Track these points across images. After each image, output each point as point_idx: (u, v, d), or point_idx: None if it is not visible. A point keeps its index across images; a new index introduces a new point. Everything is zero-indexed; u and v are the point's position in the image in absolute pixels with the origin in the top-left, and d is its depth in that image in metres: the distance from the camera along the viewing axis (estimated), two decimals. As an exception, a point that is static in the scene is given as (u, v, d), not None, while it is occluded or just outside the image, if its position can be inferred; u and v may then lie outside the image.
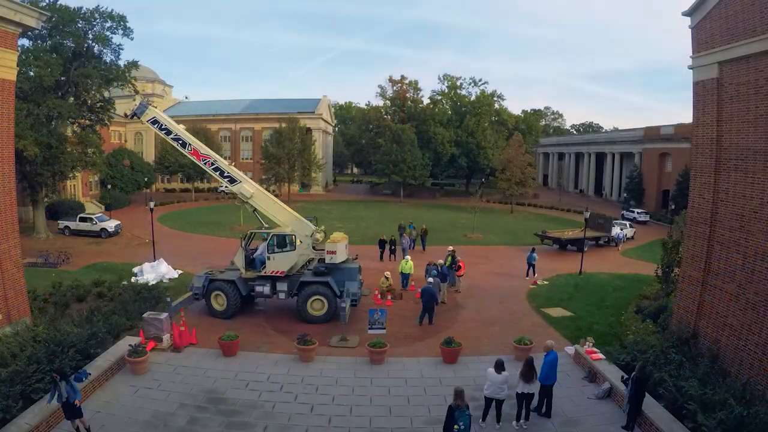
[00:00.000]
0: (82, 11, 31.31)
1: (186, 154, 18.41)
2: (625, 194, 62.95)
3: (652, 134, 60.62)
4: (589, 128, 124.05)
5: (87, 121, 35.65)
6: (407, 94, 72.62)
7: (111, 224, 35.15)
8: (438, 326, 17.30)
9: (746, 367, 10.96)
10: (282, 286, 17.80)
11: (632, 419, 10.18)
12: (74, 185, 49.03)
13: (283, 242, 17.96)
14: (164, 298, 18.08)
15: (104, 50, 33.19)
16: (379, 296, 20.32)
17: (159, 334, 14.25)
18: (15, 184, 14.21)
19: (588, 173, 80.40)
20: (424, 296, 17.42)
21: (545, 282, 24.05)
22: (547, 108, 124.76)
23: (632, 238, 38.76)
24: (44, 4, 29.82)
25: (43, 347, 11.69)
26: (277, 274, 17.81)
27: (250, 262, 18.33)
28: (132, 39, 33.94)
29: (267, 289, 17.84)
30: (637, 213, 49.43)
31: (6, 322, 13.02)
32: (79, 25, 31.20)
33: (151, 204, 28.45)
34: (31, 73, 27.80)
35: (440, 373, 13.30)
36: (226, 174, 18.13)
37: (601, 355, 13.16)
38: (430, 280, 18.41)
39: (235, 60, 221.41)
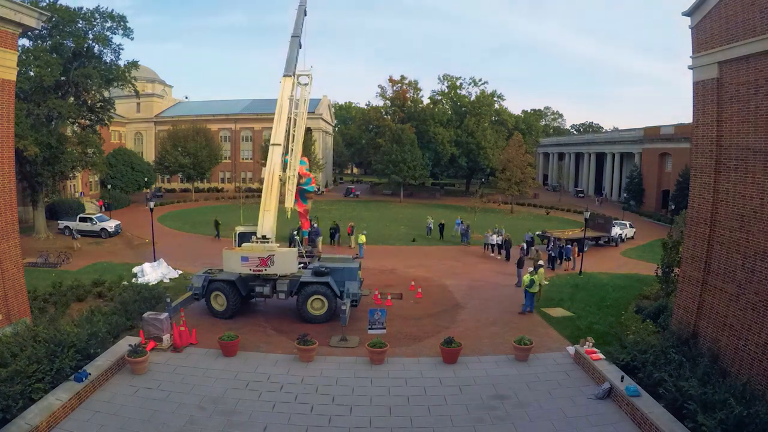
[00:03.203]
0: (82, 11, 31.32)
1: None
2: (625, 194, 62.96)
3: (652, 134, 60.64)
4: (589, 128, 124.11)
5: (87, 121, 35.69)
6: (407, 94, 72.64)
7: (111, 224, 35.16)
8: (438, 326, 17.30)
9: (746, 367, 10.96)
10: (282, 287, 17.79)
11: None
12: (74, 185, 49.08)
13: None
14: (164, 298, 18.08)
15: (104, 50, 33.22)
16: (378, 296, 20.31)
17: (159, 334, 14.24)
18: (15, 184, 14.21)
19: (588, 173, 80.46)
20: None
21: (545, 282, 24.00)
22: (547, 108, 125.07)
23: (632, 237, 38.80)
24: (44, 4, 29.82)
25: (43, 347, 11.67)
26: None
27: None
28: (132, 39, 34.09)
29: (267, 290, 17.83)
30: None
31: (6, 322, 13.02)
32: (79, 25, 31.19)
33: (151, 204, 28.45)
34: (31, 73, 27.82)
35: (440, 373, 13.29)
36: None
37: (601, 355, 13.15)
38: None
39: (236, 59, 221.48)
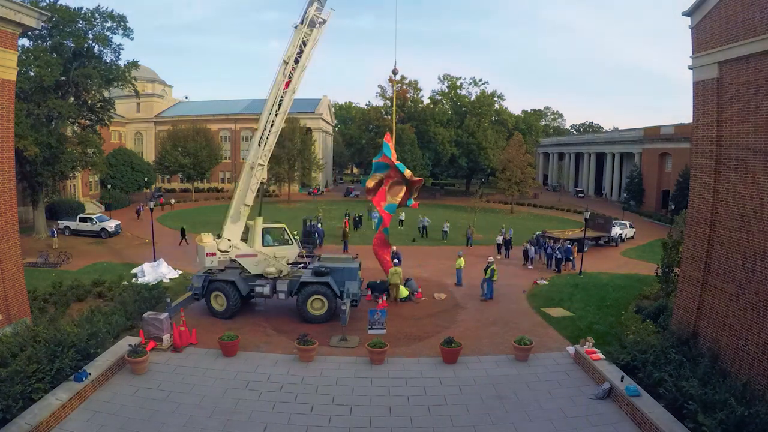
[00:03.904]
0: (83, 11, 31.34)
1: None
2: (625, 194, 62.93)
3: (652, 134, 60.64)
4: (589, 128, 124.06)
5: (87, 121, 35.73)
6: (407, 94, 72.61)
7: (111, 224, 35.18)
8: (438, 326, 17.30)
9: (746, 367, 10.97)
10: (282, 286, 17.80)
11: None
12: (74, 185, 49.08)
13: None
14: (164, 298, 18.09)
15: (104, 50, 33.25)
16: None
17: (159, 334, 14.24)
18: (15, 184, 14.21)
19: (588, 173, 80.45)
20: None
21: (545, 282, 24.05)
22: (547, 108, 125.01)
23: (632, 237, 38.80)
24: (44, 4, 29.84)
25: (43, 347, 11.68)
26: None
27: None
28: (132, 39, 34.14)
29: (267, 290, 17.84)
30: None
31: (6, 322, 13.02)
32: (80, 25, 31.21)
33: (151, 204, 28.52)
34: (31, 73, 27.84)
35: (440, 373, 13.29)
36: None
37: (601, 355, 13.15)
38: None
39: (235, 59, 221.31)
